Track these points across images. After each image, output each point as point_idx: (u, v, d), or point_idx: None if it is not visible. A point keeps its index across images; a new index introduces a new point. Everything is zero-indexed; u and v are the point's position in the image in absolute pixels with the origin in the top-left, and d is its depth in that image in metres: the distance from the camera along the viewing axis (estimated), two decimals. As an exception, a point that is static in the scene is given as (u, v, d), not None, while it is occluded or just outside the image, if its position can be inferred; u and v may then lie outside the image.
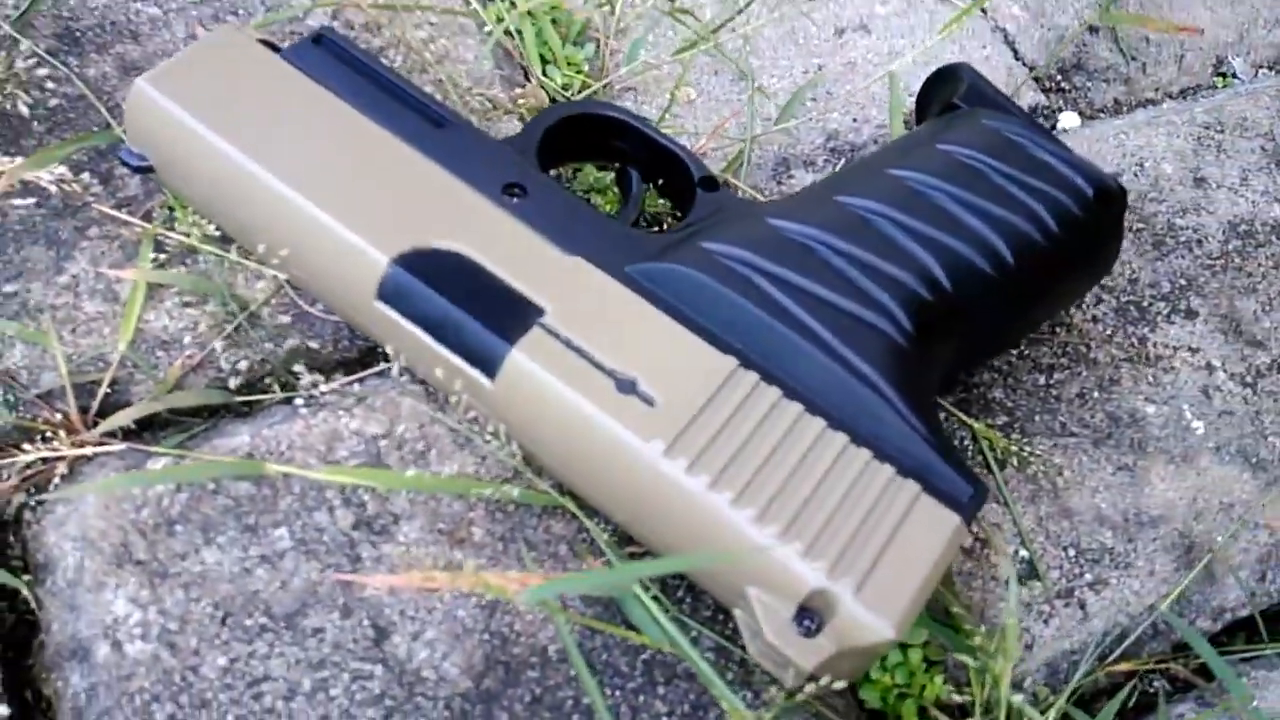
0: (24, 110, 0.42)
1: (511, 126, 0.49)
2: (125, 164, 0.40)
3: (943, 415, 0.44)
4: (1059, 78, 0.61)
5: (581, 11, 0.53)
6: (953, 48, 0.59)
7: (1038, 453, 0.44)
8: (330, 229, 0.36)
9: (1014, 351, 0.47)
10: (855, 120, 0.54)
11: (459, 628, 0.36)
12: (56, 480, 0.37)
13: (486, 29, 0.51)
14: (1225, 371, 0.48)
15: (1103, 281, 0.50)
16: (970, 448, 0.44)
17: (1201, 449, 0.45)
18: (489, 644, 0.36)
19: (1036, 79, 0.60)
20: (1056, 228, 0.41)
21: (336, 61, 0.41)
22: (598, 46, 0.53)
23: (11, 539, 0.36)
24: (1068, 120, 0.59)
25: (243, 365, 0.40)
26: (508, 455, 0.37)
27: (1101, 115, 0.60)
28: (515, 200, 0.39)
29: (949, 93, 0.47)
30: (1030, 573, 0.41)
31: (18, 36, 0.46)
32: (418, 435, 0.39)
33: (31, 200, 0.42)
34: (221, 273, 0.41)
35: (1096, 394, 0.46)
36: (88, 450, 0.37)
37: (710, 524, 0.33)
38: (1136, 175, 0.54)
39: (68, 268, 0.41)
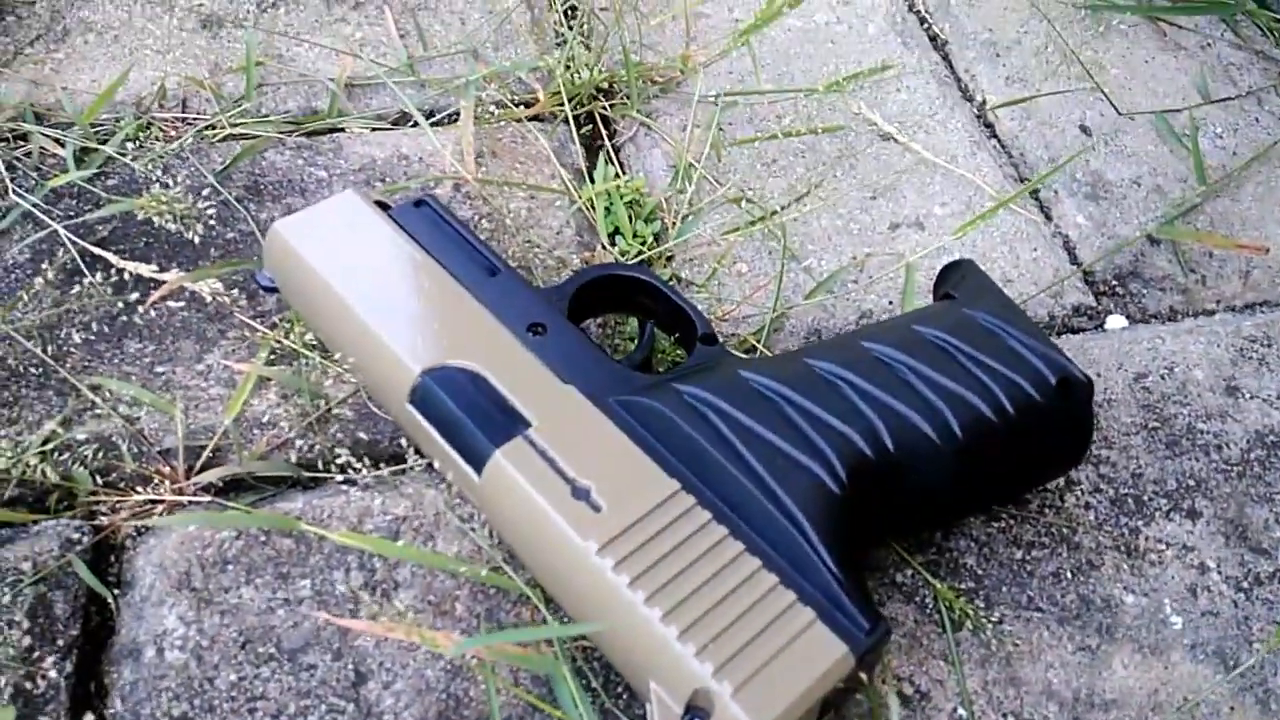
0: (196, 240, 0.56)
1: (573, 283, 0.58)
2: (258, 284, 0.52)
3: (909, 573, 0.47)
4: (1114, 283, 0.64)
5: (657, 195, 0.63)
6: (1003, 248, 0.64)
7: (994, 619, 0.46)
8: (383, 344, 0.46)
9: (995, 525, 0.49)
10: (890, 303, 0.60)
11: (424, 684, 0.42)
12: (155, 518, 0.47)
13: (574, 205, 0.62)
14: (1220, 573, 0.48)
15: (1103, 472, 0.52)
16: (930, 606, 0.46)
17: (1175, 644, 0.46)
18: (445, 702, 0.42)
19: (1089, 281, 0.63)
20: (1012, 409, 0.44)
21: (426, 221, 0.52)
22: (663, 224, 0.62)
23: (113, 559, 0.47)
24: (1114, 322, 0.61)
25: (315, 449, 0.50)
26: (490, 546, 0.44)
27: (1154, 321, 0.62)
28: (535, 337, 0.47)
29: (950, 284, 0.52)
30: (964, 732, 0.43)
31: (217, 186, 0.60)
32: (431, 521, 0.47)
33: (193, 306, 0.55)
34: (312, 374, 0.52)
35: (1072, 575, 0.48)
36: (184, 498, 0.48)
37: (626, 617, 0.38)
38: (1164, 378, 0.56)
39: (206, 359, 0.53)
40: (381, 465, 0.50)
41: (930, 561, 0.48)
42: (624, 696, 0.43)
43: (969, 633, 0.46)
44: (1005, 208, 0.65)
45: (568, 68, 0.68)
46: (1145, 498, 0.51)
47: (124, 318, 0.54)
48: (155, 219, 0.55)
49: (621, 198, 0.62)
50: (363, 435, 0.51)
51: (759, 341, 0.56)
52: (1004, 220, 0.65)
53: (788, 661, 0.37)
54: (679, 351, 0.54)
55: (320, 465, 0.49)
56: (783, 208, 0.64)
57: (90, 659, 0.44)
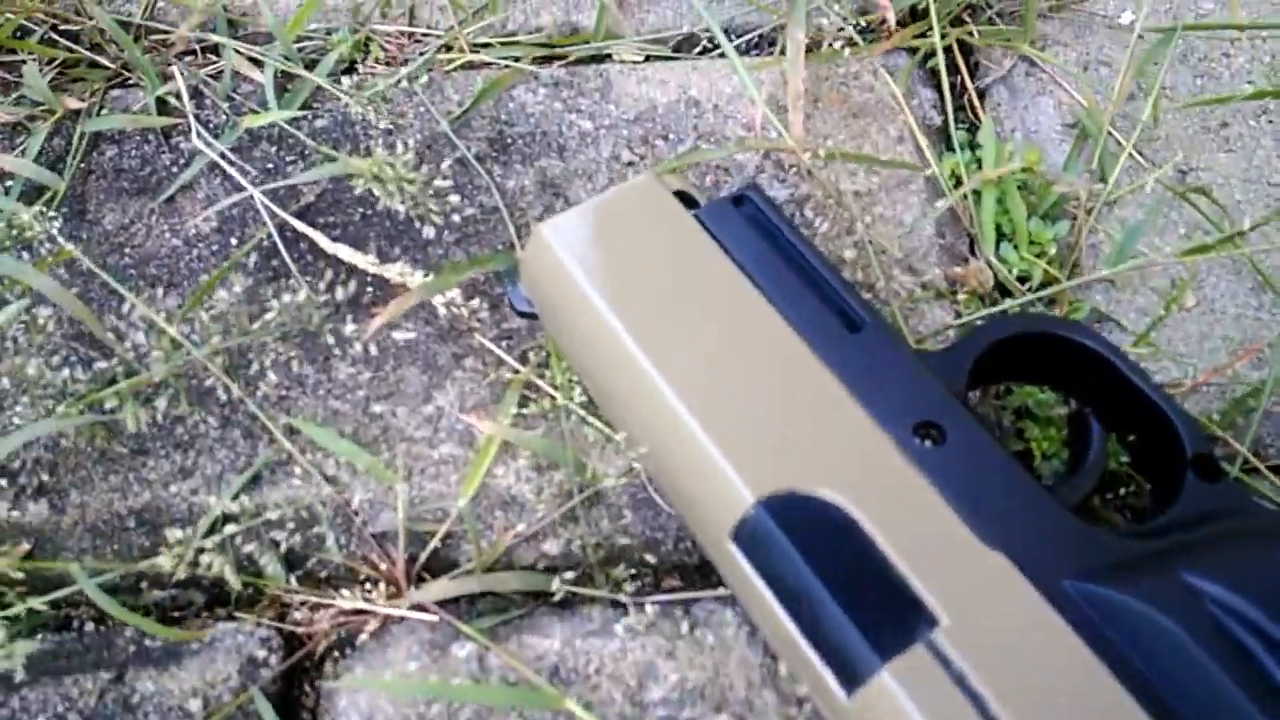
0: (431, 232, 0.41)
1: (935, 315, 0.40)
2: (512, 307, 0.37)
3: None
4: None
5: (1062, 183, 0.43)
6: None
7: None
8: (700, 445, 0.30)
9: None
10: None
11: None
12: (364, 636, 0.34)
13: (943, 202, 0.43)
14: None
15: None
16: None
17: None
18: None
19: None
20: None
21: (753, 230, 0.35)
22: (1073, 224, 0.42)
23: (308, 688, 0.34)
24: None
25: (575, 546, 0.36)
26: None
27: None
28: (928, 446, 0.30)
29: None
30: None
31: (452, 137, 0.45)
32: (742, 700, 0.32)
33: (419, 316, 0.40)
34: (577, 440, 0.37)
35: None
36: (401, 610, 0.35)
37: None
38: None
39: (435, 397, 0.39)
40: (664, 579, 0.35)
41: None
42: None
43: None
44: None
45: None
46: None
47: (333, 328, 0.40)
48: (376, 191, 0.40)
49: (1011, 178, 0.42)
50: (642, 528, 0.36)
51: (1225, 430, 0.36)
52: None
53: None
54: (1123, 457, 0.35)
55: (581, 573, 0.34)
56: (1259, 224, 0.42)
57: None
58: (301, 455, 0.37)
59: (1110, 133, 0.45)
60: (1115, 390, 0.33)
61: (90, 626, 0.36)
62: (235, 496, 0.36)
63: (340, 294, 0.39)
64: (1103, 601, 0.27)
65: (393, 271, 0.40)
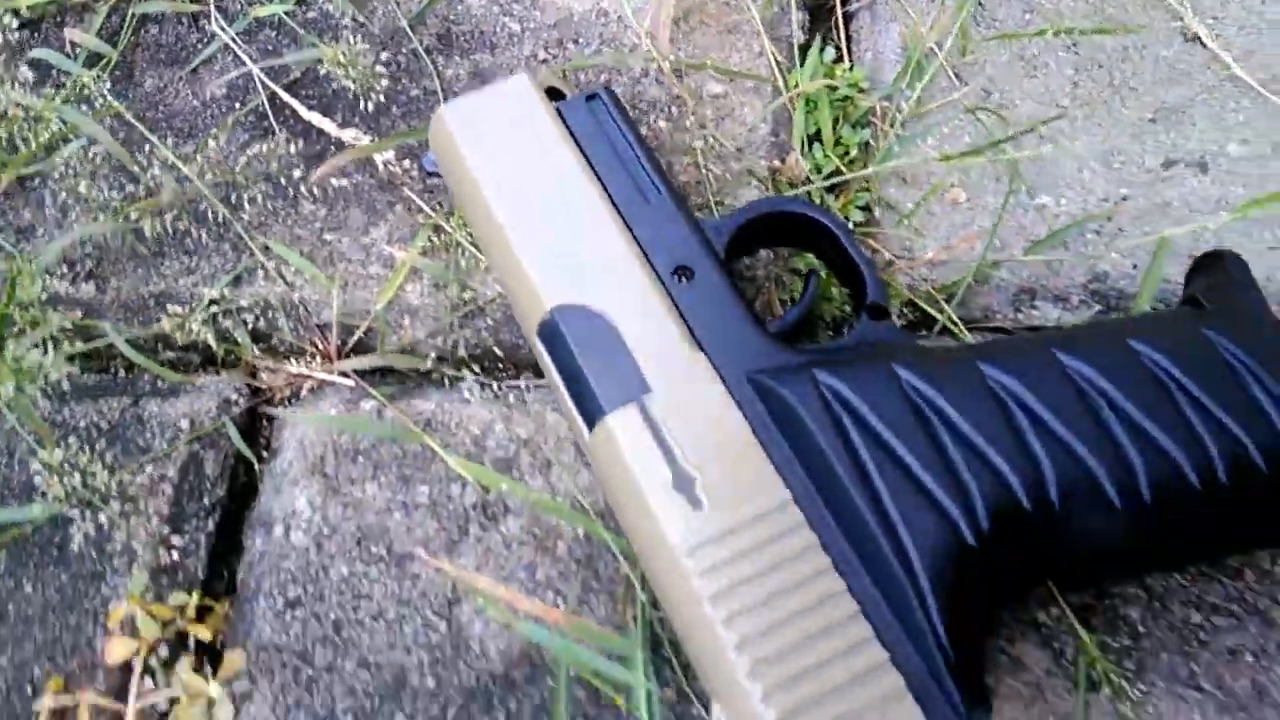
0: (372, 106, 0.54)
1: (750, 195, 0.52)
2: (424, 168, 0.50)
3: (1054, 613, 0.42)
4: None
5: (881, 89, 0.54)
6: (1306, 212, 0.51)
7: (1141, 689, 0.40)
8: (524, 270, 0.43)
9: (1175, 578, 0.42)
10: (1135, 266, 0.50)
11: (514, 618, 0.43)
12: (305, 391, 0.49)
13: (778, 99, 0.54)
14: None
15: (1342, 541, 0.42)
16: (1067, 657, 0.41)
17: (1364, 775, 0.38)
18: (532, 646, 0.43)
19: None
20: (1227, 478, 0.36)
21: (594, 121, 0.47)
22: (875, 132, 0.53)
23: (265, 422, 0.49)
24: None
25: (458, 343, 0.50)
26: (596, 501, 0.42)
27: None
28: (680, 283, 0.43)
29: (1204, 283, 0.42)
30: (1065, 810, 0.39)
31: (409, 31, 0.58)
32: (551, 447, 0.46)
33: (366, 170, 0.54)
34: (464, 265, 0.50)
35: (1253, 659, 0.40)
36: (332, 377, 0.49)
37: (702, 632, 0.36)
38: None
39: (372, 232, 0.53)
40: (519, 372, 0.48)
41: (1084, 606, 0.42)
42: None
43: (1105, 699, 0.40)
44: (1328, 155, 0.51)
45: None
46: (1389, 584, 0.41)
47: (301, 173, 0.54)
48: (338, 72, 0.53)
49: (832, 92, 0.53)
50: (506, 336, 0.50)
51: (950, 301, 0.48)
52: (1321, 171, 0.51)
53: (858, 729, 0.34)
54: (848, 307, 0.47)
55: (458, 363, 0.49)
56: (1020, 133, 0.53)
57: (235, 518, 0.47)
58: (270, 265, 0.51)
59: (936, 54, 0.55)
60: (836, 253, 0.45)
61: (122, 374, 0.51)
62: (222, 290, 0.51)
63: (309, 149, 0.53)
64: (763, 389, 0.40)
65: (348, 135, 0.53)
